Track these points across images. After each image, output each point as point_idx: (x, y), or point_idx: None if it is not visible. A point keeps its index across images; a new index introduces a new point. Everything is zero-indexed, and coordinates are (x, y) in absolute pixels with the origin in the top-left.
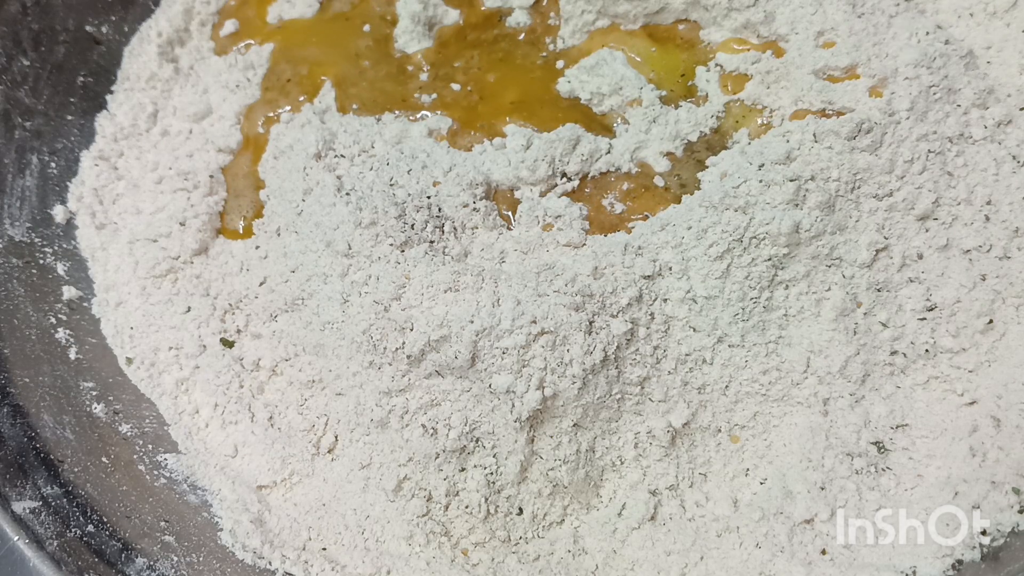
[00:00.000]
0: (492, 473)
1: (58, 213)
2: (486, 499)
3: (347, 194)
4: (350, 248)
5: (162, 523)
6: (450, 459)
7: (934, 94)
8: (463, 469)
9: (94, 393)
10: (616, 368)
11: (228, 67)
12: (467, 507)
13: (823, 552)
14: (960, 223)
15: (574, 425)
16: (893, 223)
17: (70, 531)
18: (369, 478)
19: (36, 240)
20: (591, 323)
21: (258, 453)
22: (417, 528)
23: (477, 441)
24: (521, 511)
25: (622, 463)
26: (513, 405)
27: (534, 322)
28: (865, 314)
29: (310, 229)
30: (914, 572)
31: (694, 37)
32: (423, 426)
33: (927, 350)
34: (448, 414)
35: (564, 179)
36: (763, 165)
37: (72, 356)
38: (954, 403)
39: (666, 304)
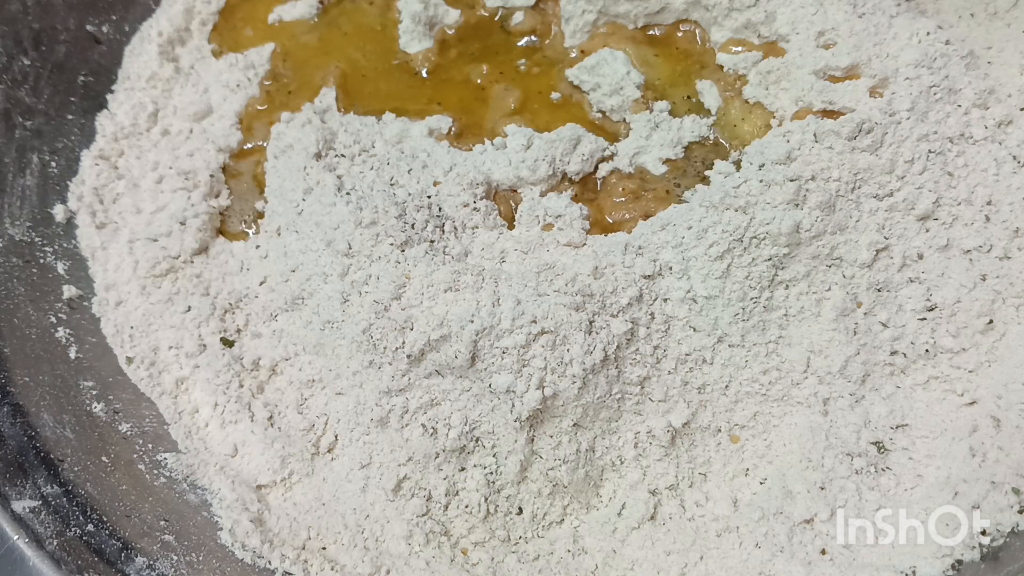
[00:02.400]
0: (492, 473)
1: (58, 212)
2: (486, 499)
3: (347, 194)
4: (350, 248)
5: (162, 522)
6: (450, 459)
7: (935, 94)
8: (463, 469)
9: (94, 392)
10: (616, 368)
11: (228, 67)
12: (467, 507)
13: (823, 552)
14: (960, 223)
15: (574, 425)
16: (893, 223)
17: (70, 530)
18: (369, 478)
19: (36, 239)
20: (591, 323)
21: (258, 452)
22: (417, 528)
23: (477, 441)
24: (521, 511)
25: (622, 463)
26: (513, 405)
27: (534, 322)
28: (865, 314)
29: (310, 229)
30: (914, 572)
31: (694, 39)
32: (423, 426)
33: (927, 350)
34: (448, 414)
35: (567, 183)
36: (763, 165)
37: (72, 355)
38: (954, 403)
39: (666, 304)
